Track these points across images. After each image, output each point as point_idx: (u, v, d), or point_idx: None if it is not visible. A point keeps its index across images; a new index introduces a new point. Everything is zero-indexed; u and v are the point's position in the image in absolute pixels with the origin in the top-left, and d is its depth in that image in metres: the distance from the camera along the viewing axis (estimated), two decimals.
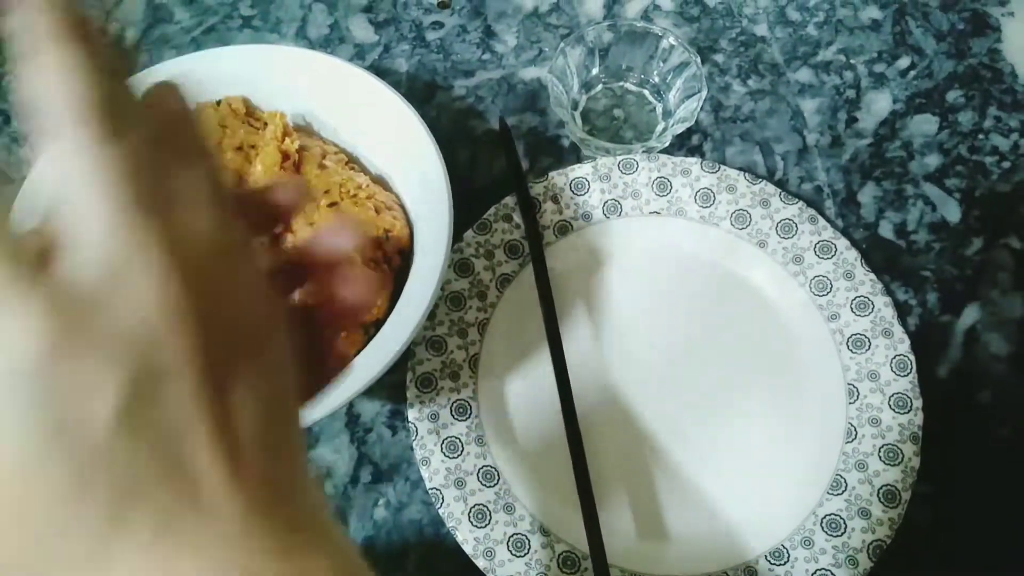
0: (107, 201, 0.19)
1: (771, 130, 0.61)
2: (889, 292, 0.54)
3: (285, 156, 0.51)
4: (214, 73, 0.55)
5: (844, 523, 0.47)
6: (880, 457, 0.48)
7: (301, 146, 0.52)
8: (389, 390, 0.52)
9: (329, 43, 0.66)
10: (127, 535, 0.18)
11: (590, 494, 0.46)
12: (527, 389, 0.52)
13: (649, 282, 0.55)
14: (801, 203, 0.55)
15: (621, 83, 0.62)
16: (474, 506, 0.48)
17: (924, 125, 0.61)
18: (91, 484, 0.18)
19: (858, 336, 0.52)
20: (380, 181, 0.55)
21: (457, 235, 0.54)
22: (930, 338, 0.54)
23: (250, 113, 0.55)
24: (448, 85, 0.64)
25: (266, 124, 0.52)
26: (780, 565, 0.46)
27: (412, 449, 0.50)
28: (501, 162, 0.60)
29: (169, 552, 0.18)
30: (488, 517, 0.48)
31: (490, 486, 0.49)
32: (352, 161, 0.56)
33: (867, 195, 0.59)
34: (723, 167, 0.56)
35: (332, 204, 0.50)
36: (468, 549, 0.47)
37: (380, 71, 0.63)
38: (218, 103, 0.54)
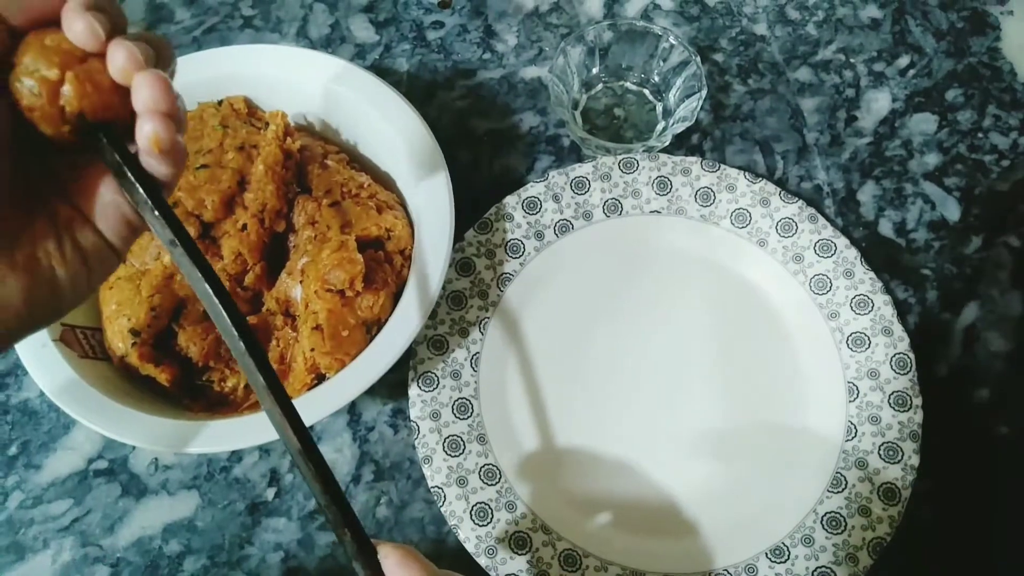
0: None
1: (771, 129, 0.61)
2: (889, 290, 0.54)
3: (287, 155, 0.51)
4: (216, 73, 0.55)
5: (844, 521, 0.47)
6: (880, 455, 0.49)
7: (303, 146, 0.52)
8: (390, 389, 0.53)
9: (330, 43, 0.66)
10: None
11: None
12: (528, 388, 0.52)
13: (649, 281, 0.55)
14: (801, 202, 0.56)
15: (621, 82, 0.63)
16: (476, 504, 0.48)
17: (923, 124, 0.62)
18: None
19: (858, 334, 0.52)
20: (381, 180, 0.55)
21: (458, 234, 0.54)
22: (930, 336, 0.54)
23: (252, 113, 0.55)
24: (449, 85, 0.64)
25: (268, 124, 0.52)
26: (781, 563, 0.46)
27: (414, 448, 0.50)
28: (502, 161, 0.60)
29: None
30: (490, 515, 0.48)
31: (491, 484, 0.49)
32: (353, 160, 0.56)
33: (867, 194, 0.59)
34: (723, 166, 0.57)
35: (334, 203, 0.50)
36: (470, 547, 0.47)
37: (381, 71, 0.64)
38: (220, 103, 0.54)
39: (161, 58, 0.30)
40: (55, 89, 0.28)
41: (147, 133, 0.29)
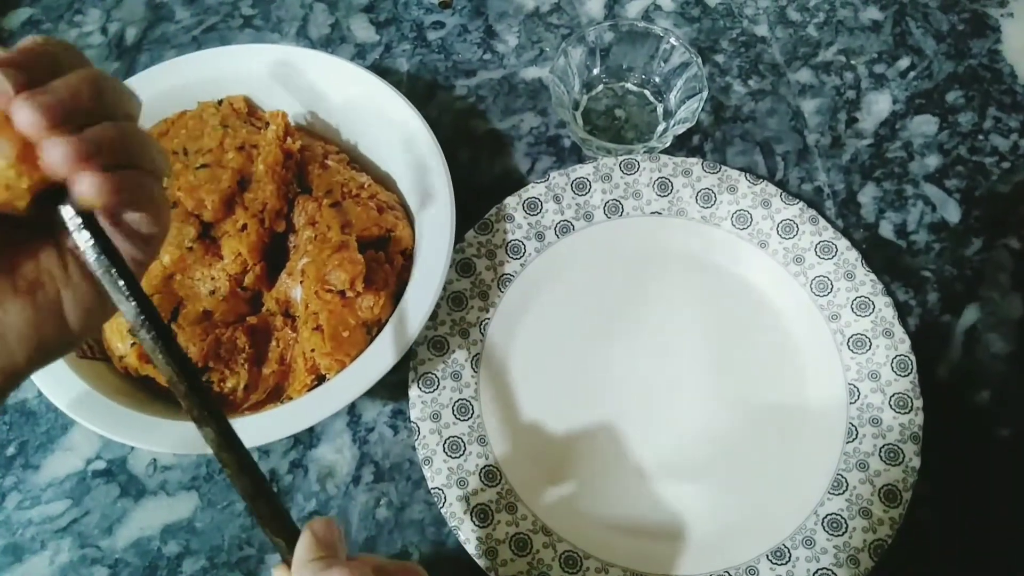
0: None
1: (771, 130, 0.61)
2: (889, 292, 0.54)
3: (287, 155, 0.51)
4: (216, 72, 0.55)
5: (845, 523, 0.47)
6: (881, 457, 0.48)
7: (303, 146, 0.52)
8: (390, 390, 0.52)
9: (330, 43, 0.66)
10: None
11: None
12: (529, 389, 0.52)
13: (650, 282, 0.55)
14: (802, 203, 0.56)
15: (622, 83, 0.63)
16: (476, 506, 0.48)
17: (924, 126, 0.62)
18: None
19: (859, 336, 0.52)
20: (382, 181, 0.55)
21: (458, 235, 0.53)
22: (930, 338, 0.54)
23: (252, 112, 0.55)
24: (449, 85, 0.64)
25: (268, 123, 0.52)
26: (782, 564, 0.46)
27: (414, 449, 0.50)
28: (502, 162, 0.60)
29: None
30: (490, 517, 0.48)
31: (492, 486, 0.49)
32: (354, 161, 0.56)
33: (867, 195, 0.59)
34: (724, 167, 0.57)
35: (334, 204, 0.50)
36: (470, 549, 0.47)
37: (381, 71, 0.63)
38: (220, 102, 0.54)
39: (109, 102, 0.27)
40: None
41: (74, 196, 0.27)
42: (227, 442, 0.30)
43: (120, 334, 0.47)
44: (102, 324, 0.32)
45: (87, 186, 0.26)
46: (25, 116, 0.25)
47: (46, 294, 0.29)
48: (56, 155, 0.26)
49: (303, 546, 0.30)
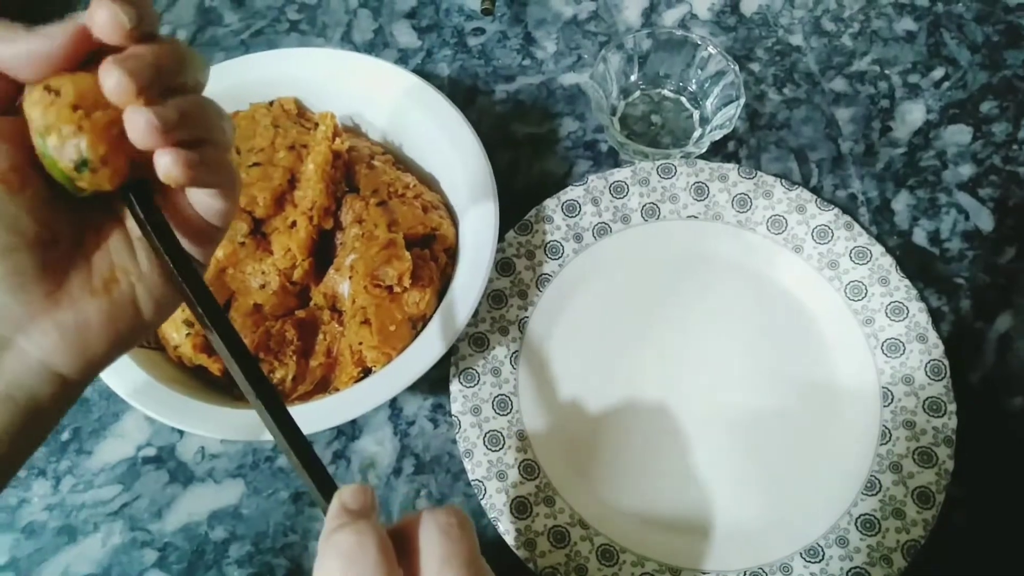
0: None
1: (806, 138, 0.62)
2: (923, 298, 0.54)
3: (336, 155, 0.52)
4: (267, 75, 0.56)
5: (878, 523, 0.48)
6: (914, 459, 0.49)
7: (350, 146, 0.54)
8: (431, 384, 0.54)
9: (373, 48, 0.68)
10: None
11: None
12: (566, 386, 0.53)
13: (686, 284, 0.56)
14: (836, 209, 0.56)
15: (659, 90, 0.64)
16: (515, 498, 0.49)
17: (958, 135, 0.62)
18: None
19: (893, 341, 0.53)
20: (426, 181, 0.56)
21: (499, 235, 0.55)
22: (963, 344, 0.54)
23: (301, 113, 0.56)
24: (489, 90, 0.65)
25: (317, 124, 0.54)
26: (815, 563, 0.47)
27: (454, 442, 0.51)
28: (541, 165, 0.62)
29: None
30: (529, 509, 0.49)
31: (531, 479, 0.50)
32: (399, 161, 0.57)
33: (901, 203, 0.60)
34: (759, 173, 0.58)
35: (381, 203, 0.52)
36: (510, 540, 0.48)
37: (423, 75, 0.65)
38: (271, 103, 0.56)
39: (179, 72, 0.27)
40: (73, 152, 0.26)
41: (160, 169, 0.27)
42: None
43: (175, 325, 0.49)
44: (172, 313, 0.33)
45: (169, 162, 0.27)
46: (113, 81, 0.25)
47: (121, 290, 0.30)
48: (140, 124, 0.26)
49: (330, 515, 0.28)
